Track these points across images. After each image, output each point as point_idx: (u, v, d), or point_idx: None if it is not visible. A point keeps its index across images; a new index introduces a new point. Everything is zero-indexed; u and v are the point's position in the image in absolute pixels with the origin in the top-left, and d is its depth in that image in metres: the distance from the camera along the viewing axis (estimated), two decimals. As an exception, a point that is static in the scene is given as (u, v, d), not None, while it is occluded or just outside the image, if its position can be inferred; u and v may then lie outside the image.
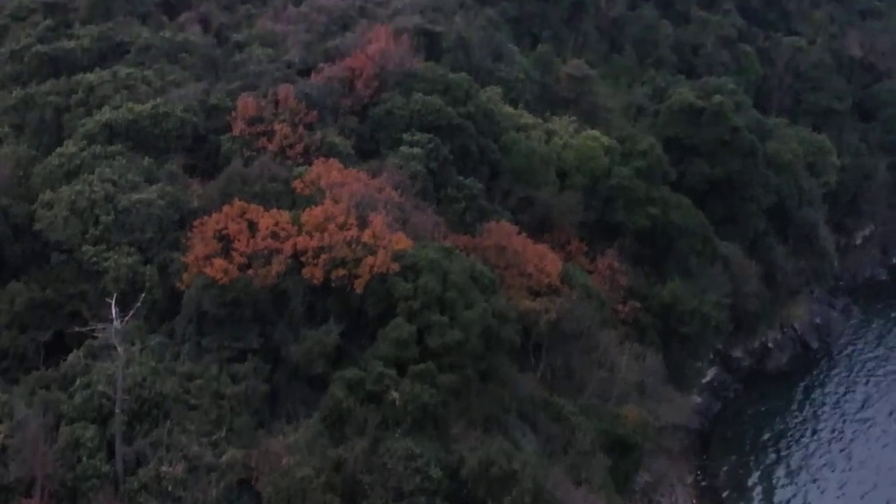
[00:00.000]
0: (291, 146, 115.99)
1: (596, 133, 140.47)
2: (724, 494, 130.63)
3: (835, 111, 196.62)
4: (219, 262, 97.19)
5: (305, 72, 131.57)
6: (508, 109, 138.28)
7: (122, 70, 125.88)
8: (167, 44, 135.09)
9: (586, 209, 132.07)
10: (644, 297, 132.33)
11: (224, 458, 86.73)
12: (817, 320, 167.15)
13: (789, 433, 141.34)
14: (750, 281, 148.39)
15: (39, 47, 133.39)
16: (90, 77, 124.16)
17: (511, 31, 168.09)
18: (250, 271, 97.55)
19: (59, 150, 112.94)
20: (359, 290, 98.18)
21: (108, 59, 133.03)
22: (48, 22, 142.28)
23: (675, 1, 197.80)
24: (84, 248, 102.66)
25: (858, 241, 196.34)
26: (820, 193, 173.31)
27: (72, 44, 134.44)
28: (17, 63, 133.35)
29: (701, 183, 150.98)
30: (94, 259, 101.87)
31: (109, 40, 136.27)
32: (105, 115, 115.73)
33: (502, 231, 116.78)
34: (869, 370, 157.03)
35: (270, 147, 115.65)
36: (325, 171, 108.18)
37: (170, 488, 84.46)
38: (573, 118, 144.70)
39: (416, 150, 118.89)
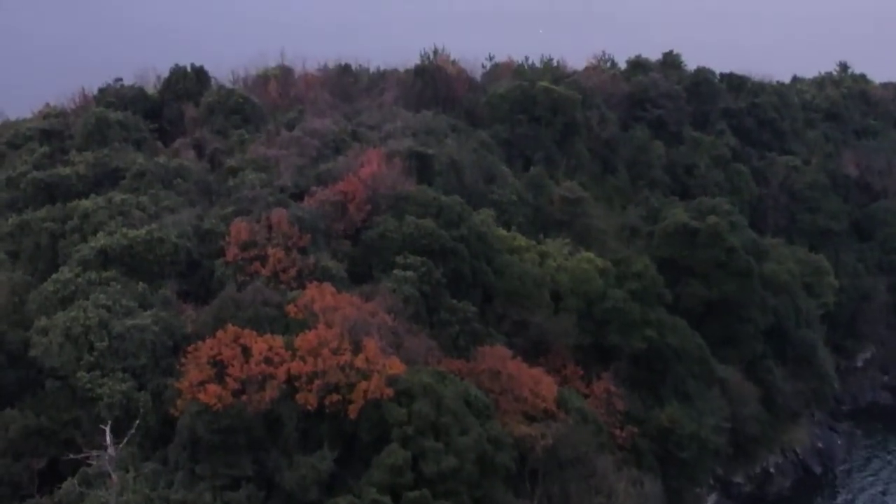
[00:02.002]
0: (284, 270, 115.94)
1: (590, 255, 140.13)
2: None
3: (831, 231, 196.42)
4: (213, 387, 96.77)
5: (298, 196, 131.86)
6: (501, 232, 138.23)
7: (117, 196, 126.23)
8: (162, 169, 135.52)
9: (581, 332, 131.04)
10: (641, 421, 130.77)
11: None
12: (819, 444, 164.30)
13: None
14: (749, 404, 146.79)
15: (35, 174, 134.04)
16: (85, 203, 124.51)
17: (503, 153, 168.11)
18: (244, 397, 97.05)
19: (54, 276, 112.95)
20: (353, 416, 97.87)
21: (104, 185, 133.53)
22: (44, 149, 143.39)
23: (668, 122, 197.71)
24: (79, 374, 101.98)
25: (859, 364, 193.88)
26: (818, 314, 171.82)
27: (67, 170, 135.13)
28: (14, 190, 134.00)
29: (697, 304, 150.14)
30: (89, 385, 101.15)
31: (105, 166, 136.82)
32: (100, 241, 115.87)
33: (496, 355, 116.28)
34: (872, 496, 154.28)
35: (263, 271, 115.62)
36: (319, 296, 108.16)
37: None
38: (567, 240, 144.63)
39: (409, 273, 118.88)
